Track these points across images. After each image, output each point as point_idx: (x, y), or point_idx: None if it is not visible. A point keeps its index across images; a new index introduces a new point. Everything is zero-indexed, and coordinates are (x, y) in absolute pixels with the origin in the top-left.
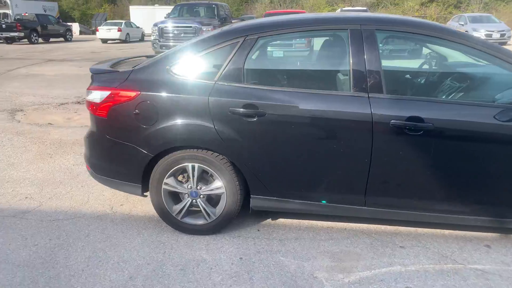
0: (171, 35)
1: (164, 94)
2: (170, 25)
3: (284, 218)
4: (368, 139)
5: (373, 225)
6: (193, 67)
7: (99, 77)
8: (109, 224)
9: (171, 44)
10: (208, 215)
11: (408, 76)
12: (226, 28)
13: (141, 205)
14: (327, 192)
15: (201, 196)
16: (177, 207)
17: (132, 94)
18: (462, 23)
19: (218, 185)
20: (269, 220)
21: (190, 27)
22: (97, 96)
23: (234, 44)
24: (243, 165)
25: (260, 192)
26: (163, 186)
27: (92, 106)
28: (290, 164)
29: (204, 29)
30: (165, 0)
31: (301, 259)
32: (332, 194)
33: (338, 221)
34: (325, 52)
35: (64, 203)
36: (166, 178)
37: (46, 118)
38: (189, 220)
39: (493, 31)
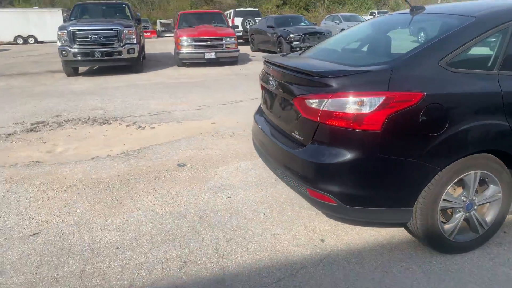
0: (86, 39)
1: (452, 92)
2: (84, 29)
3: None
4: None
5: None
6: (465, 59)
7: (346, 80)
8: (364, 269)
9: (87, 50)
10: (482, 226)
11: None
12: (483, 13)
13: (344, 235)
14: None
15: (475, 207)
16: (450, 226)
17: (416, 97)
18: (337, 21)
19: (494, 190)
20: None
21: (111, 29)
22: (354, 104)
23: (504, 29)
24: None
25: None
26: (441, 204)
27: (345, 118)
28: None
29: (125, 31)
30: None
31: None
32: None
33: None
34: None
35: (258, 256)
36: (445, 194)
37: (18, 156)
38: (460, 238)
39: None
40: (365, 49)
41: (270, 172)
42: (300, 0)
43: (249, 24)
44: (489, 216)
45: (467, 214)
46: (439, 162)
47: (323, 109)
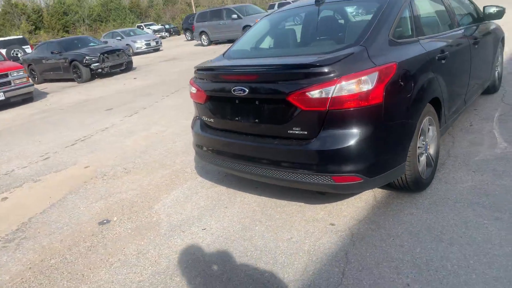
0: None
1: (407, 58)
2: None
3: None
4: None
5: None
6: (399, 31)
7: (342, 64)
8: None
9: None
10: (433, 160)
11: None
12: None
13: (341, 212)
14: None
15: (428, 147)
16: (421, 168)
17: (393, 66)
18: (119, 38)
19: (433, 129)
20: None
21: None
22: (357, 84)
23: (410, 3)
24: (444, 103)
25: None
26: (418, 151)
27: (355, 98)
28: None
29: None
30: None
31: None
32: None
33: None
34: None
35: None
36: (418, 141)
37: None
38: (427, 174)
39: (149, 40)
40: (303, 39)
41: (215, 189)
42: (56, 23)
43: (17, 53)
44: (432, 150)
45: (426, 154)
46: (415, 116)
47: (333, 96)
